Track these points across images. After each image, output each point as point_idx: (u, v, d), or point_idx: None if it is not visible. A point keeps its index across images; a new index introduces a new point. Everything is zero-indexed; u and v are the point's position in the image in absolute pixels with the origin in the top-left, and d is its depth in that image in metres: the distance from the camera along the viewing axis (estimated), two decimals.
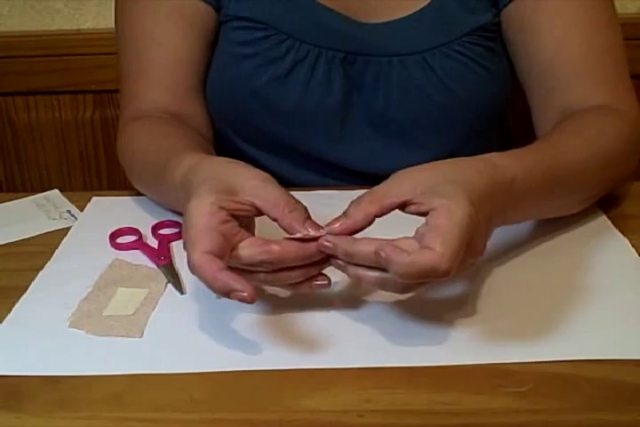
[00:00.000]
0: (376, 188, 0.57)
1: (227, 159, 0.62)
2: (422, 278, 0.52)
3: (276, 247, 0.55)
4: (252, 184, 0.58)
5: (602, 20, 0.82)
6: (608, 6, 0.83)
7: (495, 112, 0.87)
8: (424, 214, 0.54)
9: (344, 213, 0.57)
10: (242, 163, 0.61)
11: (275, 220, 0.57)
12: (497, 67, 0.85)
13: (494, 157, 0.61)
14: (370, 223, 0.56)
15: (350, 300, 0.63)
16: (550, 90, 0.81)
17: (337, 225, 0.56)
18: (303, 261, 0.56)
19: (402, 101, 0.84)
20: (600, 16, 0.82)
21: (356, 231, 0.56)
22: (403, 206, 0.56)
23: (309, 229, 0.56)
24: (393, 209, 0.56)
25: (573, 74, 0.80)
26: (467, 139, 0.88)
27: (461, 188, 0.55)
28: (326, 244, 0.55)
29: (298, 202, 0.58)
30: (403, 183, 0.57)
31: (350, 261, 0.55)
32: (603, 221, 0.75)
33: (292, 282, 0.57)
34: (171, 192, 0.67)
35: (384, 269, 0.53)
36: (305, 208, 0.58)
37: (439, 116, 0.85)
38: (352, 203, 0.57)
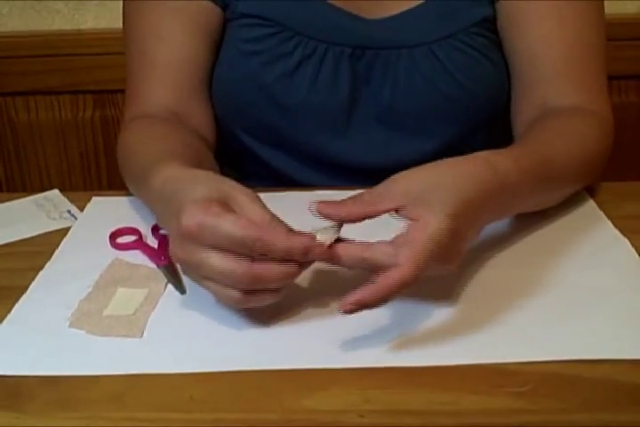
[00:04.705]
0: (375, 189, 0.58)
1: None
2: (397, 294, 0.54)
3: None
4: (243, 199, 0.58)
5: (589, 22, 0.84)
6: (597, 8, 0.85)
7: (499, 102, 0.88)
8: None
9: (342, 200, 0.57)
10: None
11: None
12: (499, 58, 0.87)
13: (495, 159, 0.63)
14: (360, 221, 0.57)
15: None
16: (531, 85, 0.84)
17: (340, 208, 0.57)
18: (286, 251, 0.55)
19: (408, 93, 0.85)
20: (588, 18, 0.84)
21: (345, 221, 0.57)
22: (396, 211, 0.57)
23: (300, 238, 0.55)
24: (386, 212, 0.57)
25: (555, 72, 0.83)
26: (471, 130, 0.89)
27: (450, 196, 0.57)
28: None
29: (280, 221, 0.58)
30: (398, 188, 0.58)
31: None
32: (603, 221, 0.75)
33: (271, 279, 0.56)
34: (150, 198, 0.68)
35: None
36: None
37: (445, 106, 0.86)
38: (352, 198, 0.58)
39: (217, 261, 0.54)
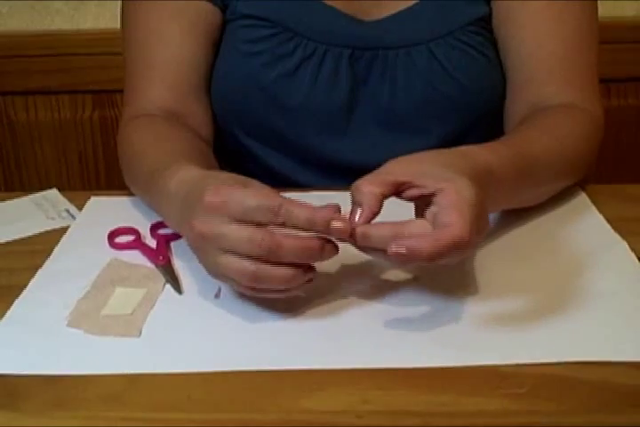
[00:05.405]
0: (374, 172, 0.58)
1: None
2: (450, 254, 0.53)
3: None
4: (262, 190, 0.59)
5: (584, 22, 0.84)
6: (591, 9, 0.85)
7: (496, 100, 0.88)
8: (426, 198, 0.56)
9: (353, 203, 0.57)
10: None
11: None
12: (495, 56, 0.87)
13: (469, 149, 0.64)
14: (382, 205, 0.57)
15: (349, 301, 0.63)
16: (525, 82, 0.84)
17: (357, 218, 0.56)
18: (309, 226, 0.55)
19: (407, 93, 0.85)
20: (583, 18, 0.84)
21: (375, 216, 0.57)
22: (402, 191, 0.58)
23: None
24: (396, 189, 0.57)
25: (549, 70, 0.83)
26: (469, 127, 0.89)
27: (459, 171, 0.57)
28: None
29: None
30: (399, 166, 0.58)
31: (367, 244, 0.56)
32: (602, 223, 0.75)
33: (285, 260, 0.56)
34: (161, 200, 0.68)
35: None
36: None
37: (443, 105, 0.86)
38: (355, 191, 0.57)
39: (238, 229, 0.55)
